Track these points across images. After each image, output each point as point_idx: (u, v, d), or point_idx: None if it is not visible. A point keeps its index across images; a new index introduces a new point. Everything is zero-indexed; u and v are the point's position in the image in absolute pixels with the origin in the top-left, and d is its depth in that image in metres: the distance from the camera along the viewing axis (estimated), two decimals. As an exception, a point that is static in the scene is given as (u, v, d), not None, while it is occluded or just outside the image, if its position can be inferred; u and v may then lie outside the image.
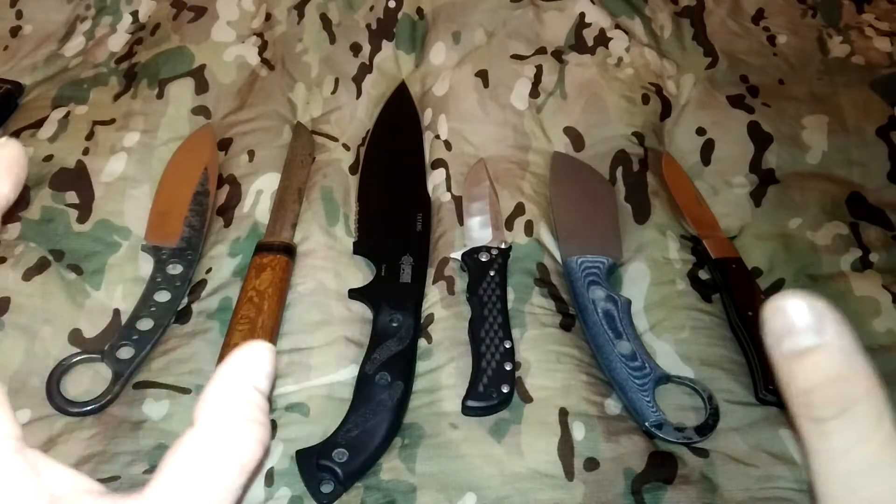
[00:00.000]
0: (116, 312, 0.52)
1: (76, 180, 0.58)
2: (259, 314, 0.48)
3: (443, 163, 0.60)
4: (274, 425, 0.45)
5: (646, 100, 0.65)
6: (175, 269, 0.52)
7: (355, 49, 0.70)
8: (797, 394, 0.19)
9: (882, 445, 0.18)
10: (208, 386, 0.19)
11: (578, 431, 0.44)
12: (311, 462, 0.42)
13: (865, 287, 0.51)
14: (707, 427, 0.44)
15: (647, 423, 0.44)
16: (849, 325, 0.19)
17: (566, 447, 0.43)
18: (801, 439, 0.19)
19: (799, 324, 0.19)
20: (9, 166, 0.20)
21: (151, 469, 0.42)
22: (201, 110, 0.65)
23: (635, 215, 0.57)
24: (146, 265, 0.54)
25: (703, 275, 0.54)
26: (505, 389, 0.44)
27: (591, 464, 0.42)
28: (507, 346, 0.46)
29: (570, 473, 0.42)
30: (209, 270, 0.53)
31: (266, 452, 0.19)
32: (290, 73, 0.68)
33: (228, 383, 0.19)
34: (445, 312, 0.50)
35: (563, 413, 0.44)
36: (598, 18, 0.71)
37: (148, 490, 0.17)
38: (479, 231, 0.54)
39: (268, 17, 0.73)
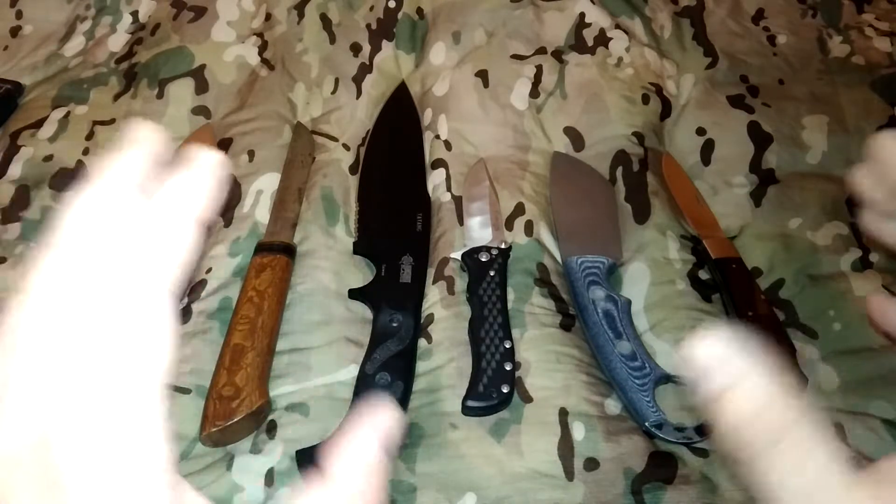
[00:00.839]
0: (116, 312, 0.52)
1: (76, 180, 0.58)
2: (259, 314, 0.48)
3: (443, 163, 0.60)
4: (274, 425, 0.45)
5: (646, 100, 0.65)
6: (175, 269, 0.52)
7: (355, 49, 0.70)
8: (726, 434, 0.20)
9: (818, 473, 0.18)
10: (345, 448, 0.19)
11: (578, 431, 0.44)
12: (311, 462, 0.42)
13: (865, 287, 0.51)
14: (707, 427, 0.44)
15: (647, 423, 0.44)
16: (760, 362, 0.19)
17: (566, 447, 0.43)
18: (741, 476, 0.20)
19: (709, 367, 0.20)
20: (219, 184, 0.20)
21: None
22: (201, 110, 0.65)
23: (635, 215, 0.57)
24: (146, 265, 0.53)
25: (703, 275, 0.53)
26: (505, 389, 0.44)
27: (591, 464, 0.42)
28: (507, 346, 0.46)
29: (570, 473, 0.42)
30: (209, 270, 0.53)
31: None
32: (290, 73, 0.68)
33: (361, 451, 0.19)
34: (445, 312, 0.50)
35: (563, 413, 0.44)
36: (598, 18, 0.71)
37: None
38: (479, 231, 0.54)
39: (268, 17, 0.73)
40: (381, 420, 0.20)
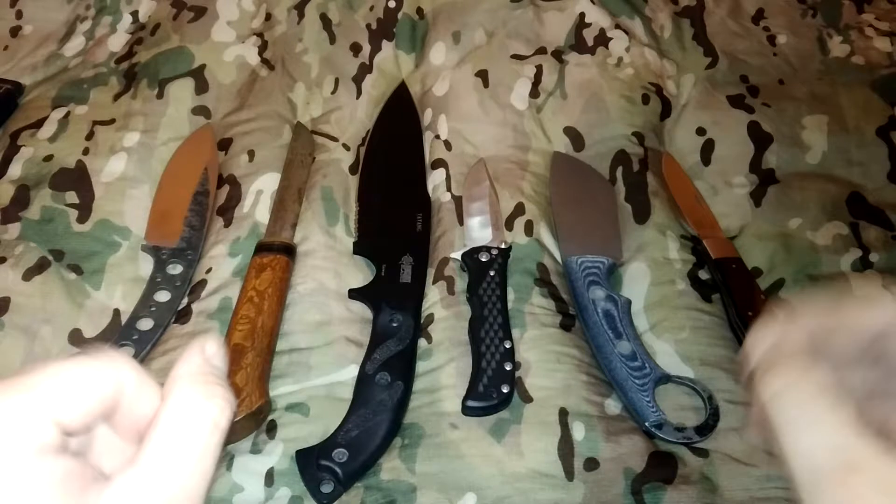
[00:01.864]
0: (116, 312, 0.52)
1: (76, 180, 0.58)
2: (259, 314, 0.48)
3: (443, 163, 0.60)
4: (274, 425, 0.45)
5: (646, 100, 0.65)
6: (175, 269, 0.52)
7: (355, 49, 0.70)
8: (757, 387, 0.23)
9: (823, 412, 0.21)
10: (173, 369, 0.21)
11: (578, 431, 0.44)
12: (311, 462, 0.42)
13: (865, 287, 0.51)
14: (707, 427, 0.44)
15: (647, 423, 0.44)
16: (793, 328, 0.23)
17: (566, 447, 0.43)
18: (757, 414, 0.23)
19: (761, 338, 0.24)
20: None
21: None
22: (201, 110, 0.65)
23: (635, 215, 0.57)
24: (146, 265, 0.54)
25: (703, 275, 0.53)
26: (505, 389, 0.44)
27: (591, 464, 0.42)
28: (507, 346, 0.46)
29: (570, 473, 0.42)
30: (209, 270, 0.53)
31: (232, 412, 0.21)
32: (290, 73, 0.68)
33: (188, 362, 0.21)
34: (445, 312, 0.50)
35: (563, 413, 0.44)
36: (598, 18, 0.71)
37: (140, 458, 0.19)
38: (479, 231, 0.54)
39: (268, 17, 0.73)
40: (203, 343, 0.22)
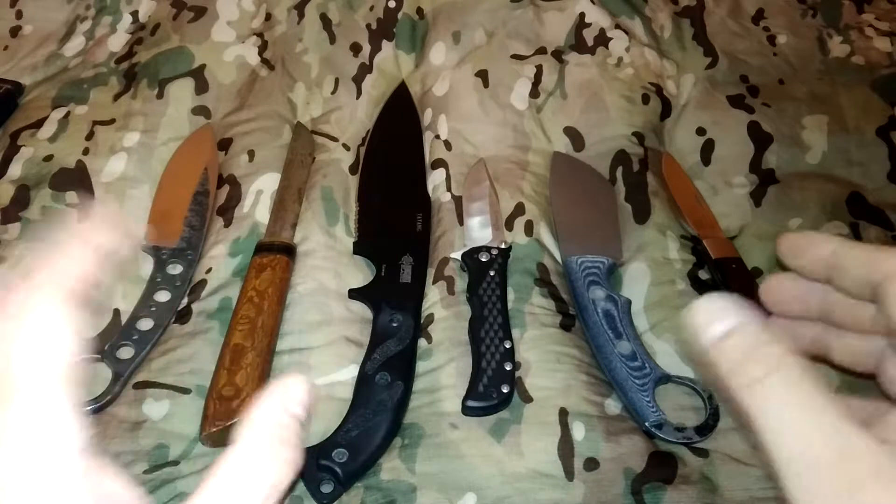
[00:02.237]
0: (116, 312, 0.52)
1: (76, 180, 0.58)
2: (259, 314, 0.48)
3: (443, 163, 0.60)
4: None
5: (646, 100, 0.65)
6: (175, 269, 0.52)
7: (355, 49, 0.70)
8: (729, 368, 0.21)
9: (811, 394, 0.20)
10: (254, 411, 0.21)
11: (578, 431, 0.44)
12: (311, 462, 0.42)
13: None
14: (707, 427, 0.44)
15: (647, 423, 0.44)
16: (756, 315, 0.22)
17: (566, 447, 0.43)
18: (744, 417, 0.21)
19: (717, 315, 0.22)
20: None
21: (151, 469, 0.42)
22: (201, 110, 0.65)
23: (635, 215, 0.57)
24: (146, 265, 0.54)
25: (703, 275, 0.53)
26: (505, 389, 0.44)
27: (591, 464, 0.42)
28: (507, 346, 0.46)
29: (570, 473, 0.42)
30: (209, 270, 0.53)
31: (296, 474, 0.20)
32: (290, 73, 0.68)
33: (266, 409, 0.21)
34: (445, 312, 0.50)
35: (563, 413, 0.44)
36: (598, 18, 0.71)
37: (194, 498, 0.19)
38: (479, 231, 0.54)
39: (268, 17, 0.73)
40: (289, 388, 0.21)
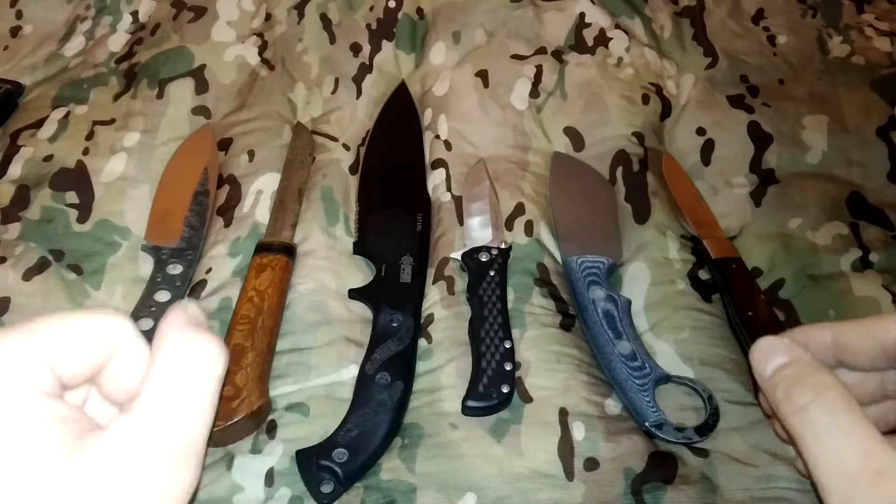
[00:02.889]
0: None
1: (76, 180, 0.58)
2: (259, 314, 0.48)
3: (443, 163, 0.60)
4: (274, 425, 0.45)
5: (646, 100, 0.65)
6: (175, 269, 0.52)
7: (355, 49, 0.70)
8: (780, 398, 0.24)
9: (852, 420, 0.22)
10: (159, 326, 0.21)
11: (578, 431, 0.44)
12: (311, 462, 0.42)
13: (865, 287, 0.51)
14: (707, 427, 0.44)
15: (647, 423, 0.44)
16: (806, 350, 0.25)
17: (566, 447, 0.43)
18: (794, 441, 0.24)
19: (773, 352, 0.26)
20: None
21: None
22: (201, 110, 0.65)
23: (635, 215, 0.57)
24: (146, 265, 0.54)
25: (703, 275, 0.54)
26: (505, 389, 0.44)
27: (591, 464, 0.42)
28: (507, 346, 0.46)
29: (570, 473, 0.42)
30: (209, 270, 0.53)
31: (226, 359, 0.21)
32: (290, 73, 0.68)
33: (175, 316, 0.21)
34: (445, 312, 0.50)
35: (563, 413, 0.44)
36: (598, 18, 0.71)
37: (137, 404, 0.19)
38: (479, 231, 0.54)
39: (268, 17, 0.73)
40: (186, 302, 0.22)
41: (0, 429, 0.17)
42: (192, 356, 0.20)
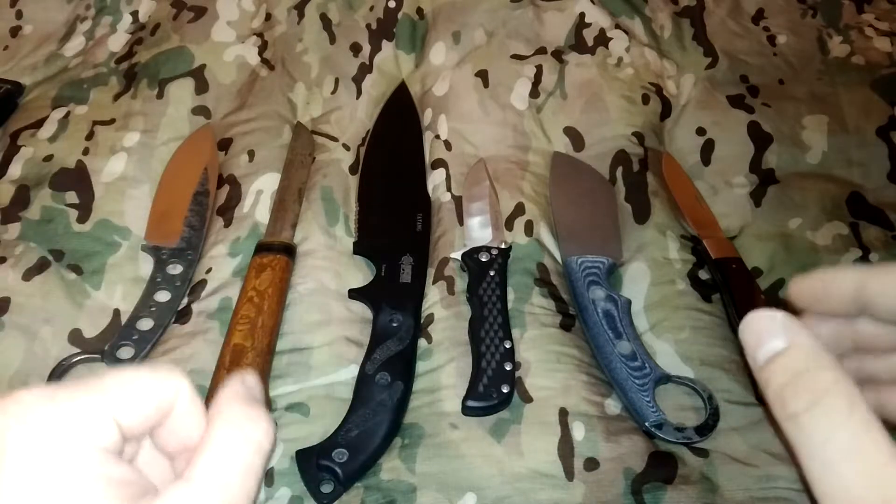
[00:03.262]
0: (116, 312, 0.52)
1: (76, 180, 0.58)
2: (259, 314, 0.48)
3: (443, 163, 0.60)
4: (274, 425, 0.45)
5: (646, 100, 0.65)
6: (175, 269, 0.52)
7: (355, 49, 0.70)
8: (773, 396, 0.20)
9: (856, 433, 0.18)
10: (217, 394, 0.22)
11: (578, 431, 0.44)
12: (311, 462, 0.42)
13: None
14: (707, 427, 0.44)
15: (647, 423, 0.44)
16: (810, 331, 0.21)
17: (566, 447, 0.43)
18: (786, 441, 0.20)
19: (768, 334, 0.21)
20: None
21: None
22: (201, 110, 0.65)
23: (635, 215, 0.57)
24: (146, 265, 0.54)
25: (703, 275, 0.53)
26: (505, 389, 0.44)
27: (591, 464, 0.42)
28: (507, 346, 0.46)
29: (570, 473, 0.42)
30: (209, 270, 0.53)
31: (275, 435, 0.22)
32: (290, 73, 0.68)
33: (232, 387, 0.22)
34: (445, 312, 0.50)
35: (563, 413, 0.44)
36: (598, 18, 0.71)
37: (190, 473, 0.19)
38: (479, 231, 0.54)
39: (268, 17, 0.73)
40: (242, 374, 0.23)
41: (65, 486, 0.18)
42: (246, 433, 0.21)
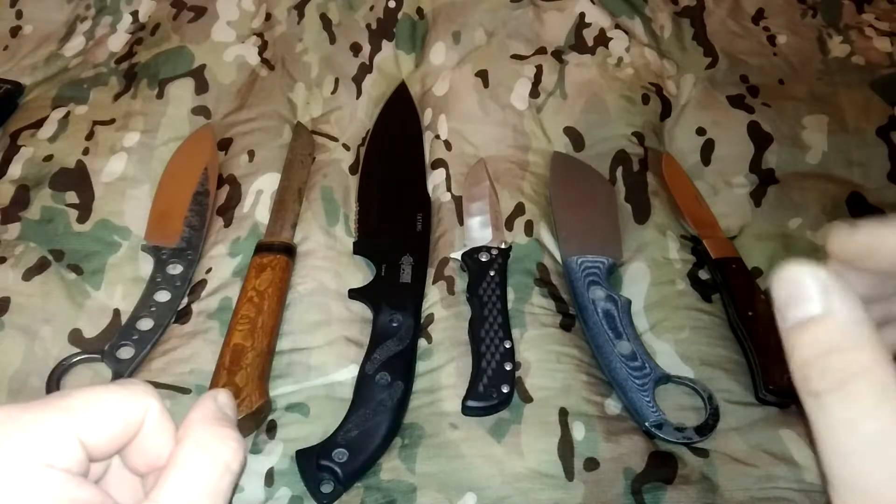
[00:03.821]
0: (116, 312, 0.52)
1: (76, 180, 0.58)
2: (259, 314, 0.48)
3: (443, 163, 0.60)
4: (274, 425, 0.45)
5: (646, 100, 0.65)
6: (175, 269, 0.52)
7: (355, 49, 0.70)
8: (797, 367, 0.18)
9: (884, 426, 0.16)
10: (188, 413, 0.22)
11: (578, 431, 0.44)
12: (311, 462, 0.42)
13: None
14: (707, 427, 0.44)
15: (647, 423, 0.44)
16: (854, 298, 0.18)
17: (566, 447, 0.43)
18: (805, 417, 0.18)
19: (803, 294, 0.18)
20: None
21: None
22: (201, 110, 0.65)
23: (635, 215, 0.57)
24: (146, 265, 0.54)
25: (703, 275, 0.53)
26: (505, 389, 0.44)
27: (591, 464, 0.42)
28: (507, 346, 0.46)
29: (570, 473, 0.42)
30: (209, 270, 0.53)
31: (244, 457, 0.22)
32: (290, 73, 0.68)
33: (203, 407, 0.22)
34: (445, 312, 0.50)
35: (563, 413, 0.44)
36: (598, 18, 0.71)
37: (156, 495, 0.19)
38: (479, 231, 0.54)
39: (268, 17, 0.73)
40: (215, 393, 0.23)
41: None
42: (214, 453, 0.21)
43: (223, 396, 0.23)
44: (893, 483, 0.16)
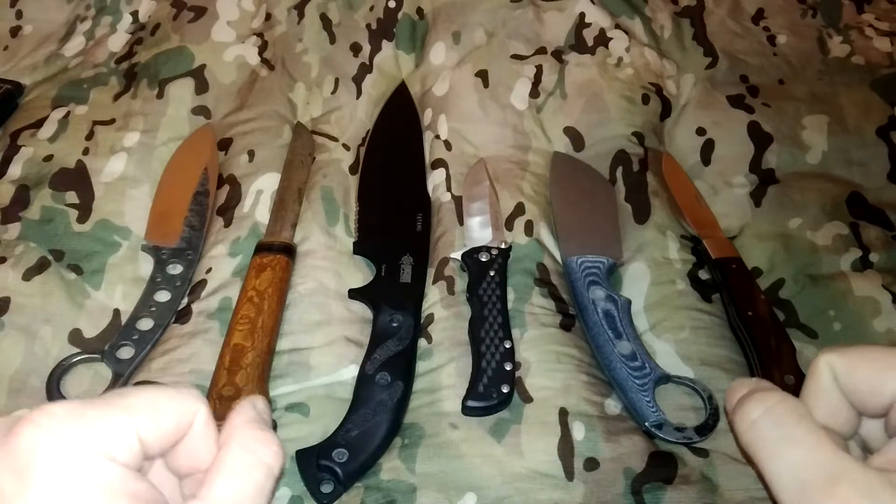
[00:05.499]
0: (116, 312, 0.52)
1: (76, 180, 0.58)
2: (259, 314, 0.48)
3: (443, 163, 0.60)
4: (274, 425, 0.45)
5: (646, 100, 0.65)
6: (175, 269, 0.52)
7: (355, 49, 0.70)
8: (734, 420, 0.25)
9: (804, 433, 0.22)
10: (230, 417, 0.23)
11: (578, 431, 0.44)
12: (311, 462, 0.42)
13: (865, 287, 0.51)
14: (707, 427, 0.44)
15: (647, 423, 0.44)
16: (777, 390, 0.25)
17: (566, 447, 0.43)
18: (752, 461, 0.24)
19: (738, 389, 0.26)
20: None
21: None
22: (201, 110, 0.65)
23: (635, 215, 0.57)
24: (146, 265, 0.54)
25: (703, 275, 0.54)
26: (505, 389, 0.44)
27: (591, 464, 0.42)
28: (507, 346, 0.46)
29: (570, 473, 0.42)
30: (209, 270, 0.53)
31: (284, 460, 0.23)
32: (290, 73, 0.68)
33: (244, 412, 0.23)
34: (445, 312, 0.50)
35: (563, 413, 0.44)
36: (598, 18, 0.71)
37: (204, 493, 0.20)
38: (479, 231, 0.54)
39: (268, 17, 0.73)
40: (252, 399, 0.24)
41: (89, 500, 0.19)
42: (259, 456, 0.22)
43: (261, 403, 0.24)
44: (816, 467, 0.21)
